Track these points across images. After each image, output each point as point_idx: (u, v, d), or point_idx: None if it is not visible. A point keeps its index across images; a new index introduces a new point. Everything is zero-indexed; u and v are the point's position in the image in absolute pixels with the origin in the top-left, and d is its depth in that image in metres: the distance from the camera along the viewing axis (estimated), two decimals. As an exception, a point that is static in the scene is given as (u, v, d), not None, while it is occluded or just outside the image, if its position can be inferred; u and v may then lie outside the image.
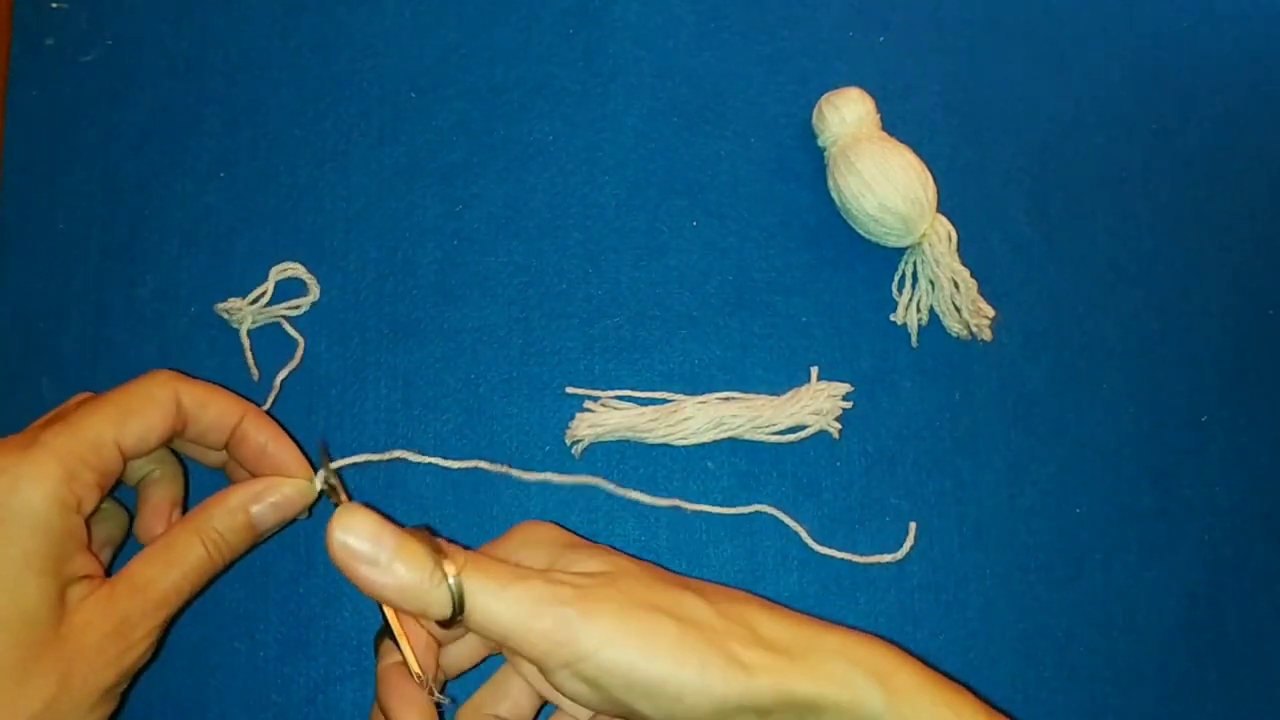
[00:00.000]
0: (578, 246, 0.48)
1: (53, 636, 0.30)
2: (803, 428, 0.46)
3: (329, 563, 0.45)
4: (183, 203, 0.48)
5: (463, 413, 0.46)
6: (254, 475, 0.37)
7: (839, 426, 0.46)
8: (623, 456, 0.46)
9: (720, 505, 0.45)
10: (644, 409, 0.46)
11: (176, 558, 0.33)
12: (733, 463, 0.46)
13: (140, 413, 0.33)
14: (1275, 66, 0.52)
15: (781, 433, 0.46)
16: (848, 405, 0.46)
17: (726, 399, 0.46)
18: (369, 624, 0.44)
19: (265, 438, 0.37)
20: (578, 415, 0.45)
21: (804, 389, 0.46)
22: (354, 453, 0.44)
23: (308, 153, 0.48)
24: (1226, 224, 0.50)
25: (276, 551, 0.45)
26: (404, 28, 0.50)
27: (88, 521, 0.33)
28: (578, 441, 0.45)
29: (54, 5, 0.50)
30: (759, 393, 0.46)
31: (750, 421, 0.45)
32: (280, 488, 0.36)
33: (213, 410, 0.36)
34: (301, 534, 0.45)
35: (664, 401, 0.46)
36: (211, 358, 0.46)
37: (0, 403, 0.46)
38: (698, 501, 0.45)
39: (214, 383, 0.38)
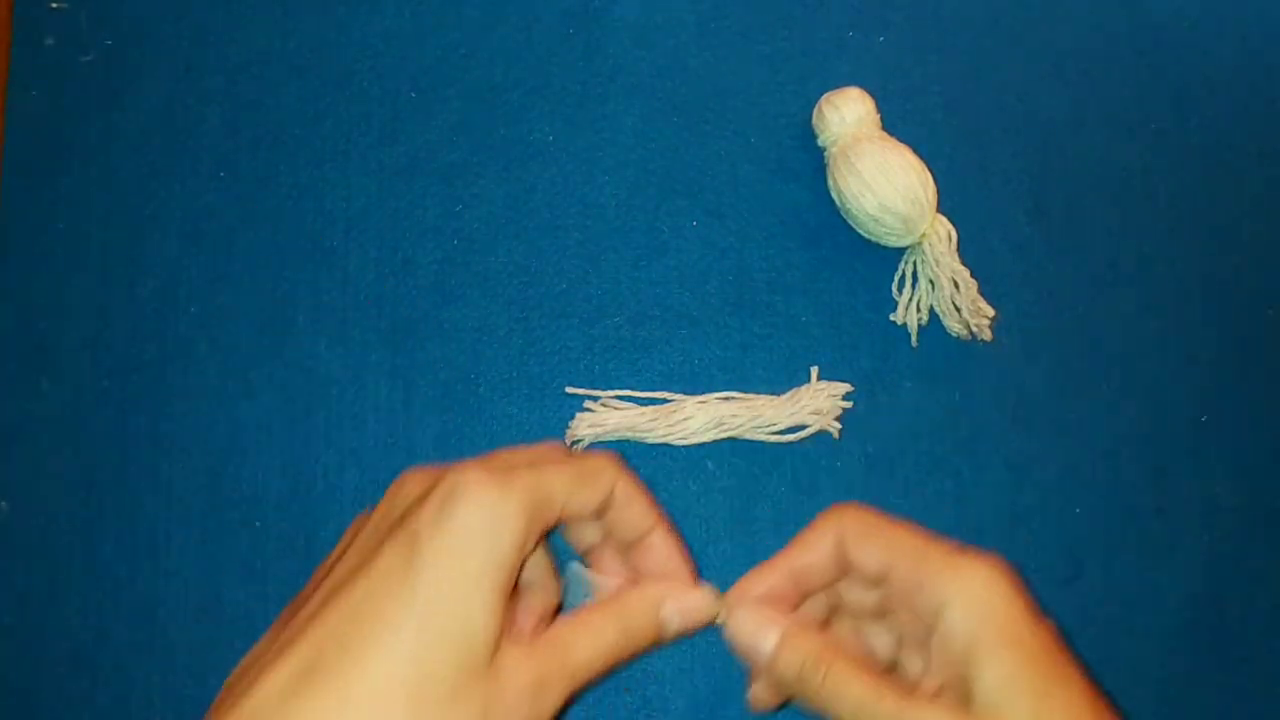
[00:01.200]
0: (578, 246, 0.48)
1: (485, 667, 0.30)
2: (803, 428, 0.46)
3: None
4: (183, 203, 0.48)
5: (463, 413, 0.46)
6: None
7: (839, 426, 0.46)
8: (622, 455, 0.46)
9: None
10: (644, 409, 0.46)
11: (596, 632, 0.34)
12: (733, 463, 0.46)
13: (591, 485, 0.34)
14: (1275, 66, 0.52)
15: (781, 433, 0.46)
16: (848, 405, 0.46)
17: (726, 399, 0.46)
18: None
19: (670, 556, 0.37)
20: (578, 415, 0.45)
21: (804, 389, 0.46)
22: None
23: (308, 153, 0.48)
24: (1226, 224, 0.50)
25: (276, 551, 0.45)
26: (404, 28, 0.50)
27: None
28: (578, 441, 0.45)
29: (54, 5, 0.50)
30: (759, 393, 0.46)
31: (750, 421, 0.45)
32: (689, 597, 0.36)
33: (635, 510, 0.36)
34: (301, 534, 0.45)
35: (664, 401, 0.46)
36: (212, 358, 0.46)
37: (0, 403, 0.46)
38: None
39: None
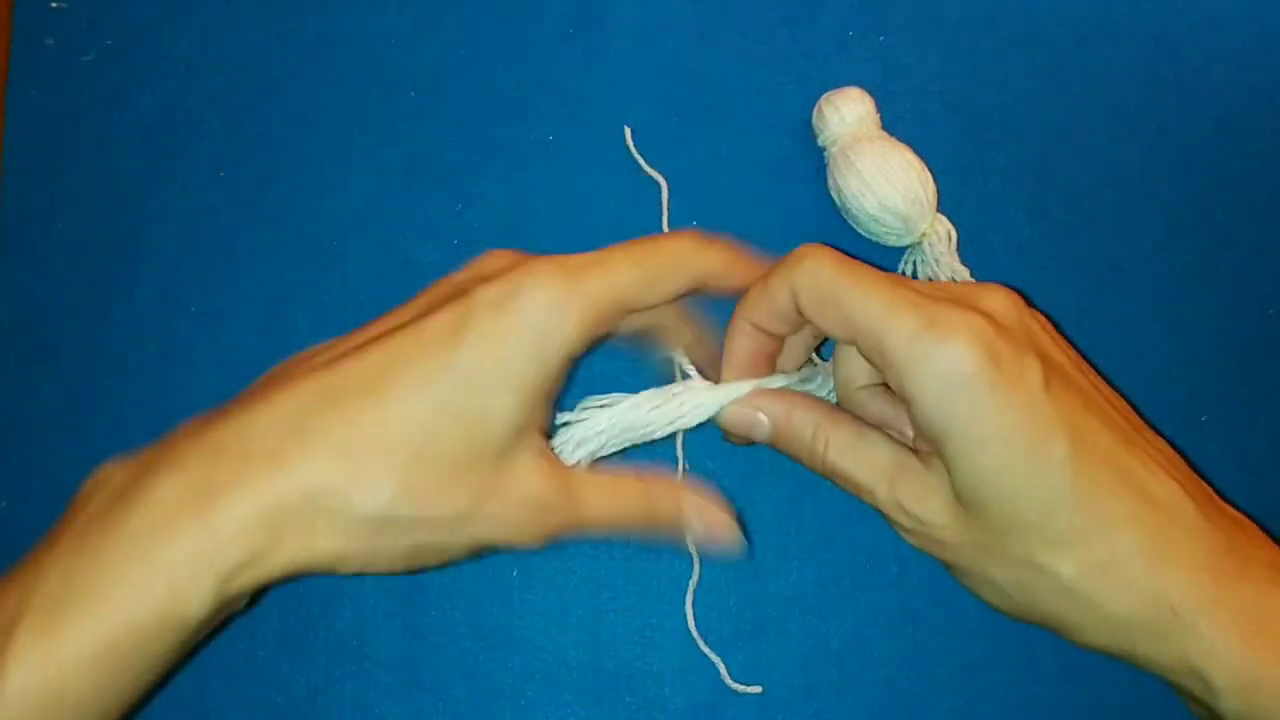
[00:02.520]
0: (577, 246, 0.47)
1: (494, 460, 0.30)
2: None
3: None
4: (183, 203, 0.48)
5: (463, 413, 0.46)
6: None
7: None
8: (623, 455, 0.46)
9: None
10: (637, 397, 0.39)
11: (619, 499, 0.33)
12: (733, 463, 0.46)
13: (665, 283, 0.33)
14: (1275, 66, 0.52)
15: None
16: None
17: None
18: (369, 624, 0.44)
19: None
20: (558, 434, 0.38)
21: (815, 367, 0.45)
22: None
23: (308, 153, 0.48)
24: (1226, 224, 0.50)
25: (276, 551, 0.45)
26: (404, 28, 0.50)
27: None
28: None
29: (54, 5, 0.50)
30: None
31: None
32: (721, 526, 0.36)
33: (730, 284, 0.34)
34: (301, 534, 0.45)
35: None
36: (211, 357, 0.46)
37: (0, 403, 0.46)
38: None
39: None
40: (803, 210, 0.48)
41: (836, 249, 0.34)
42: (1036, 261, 0.49)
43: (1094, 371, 0.33)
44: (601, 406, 0.38)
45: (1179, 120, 0.51)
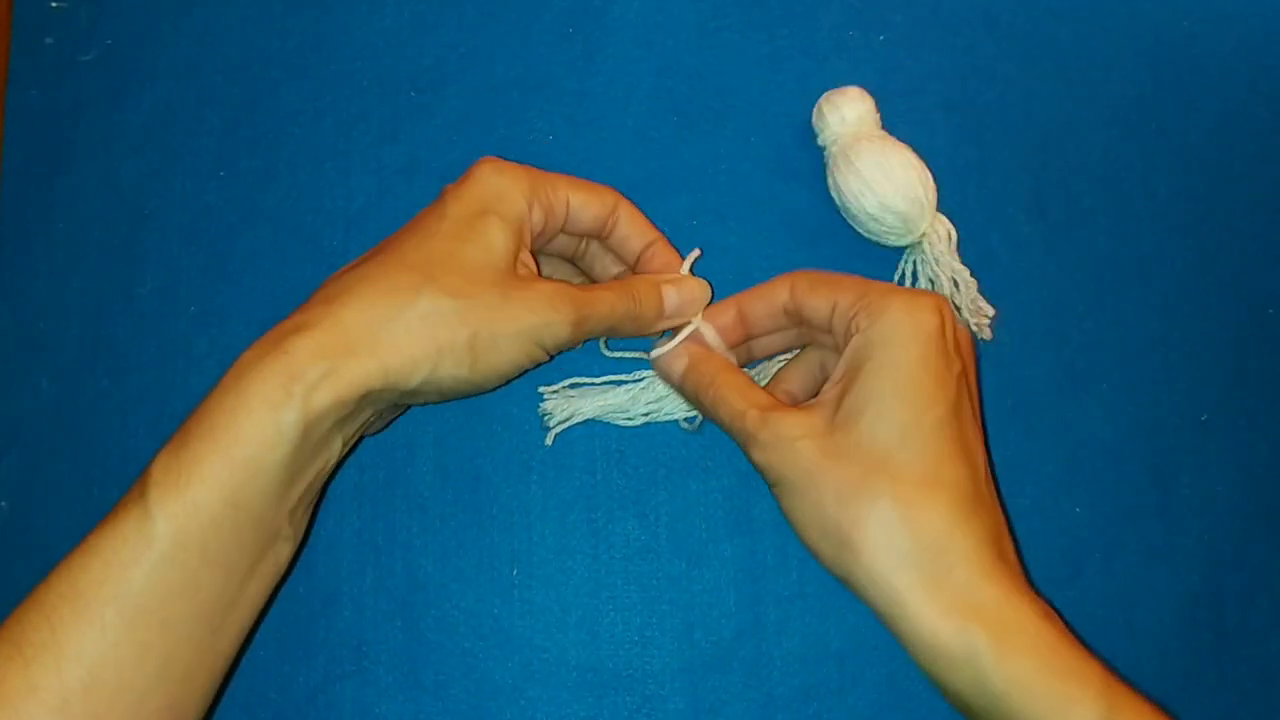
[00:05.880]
0: (578, 246, 0.48)
1: (509, 268, 0.38)
2: None
3: (329, 563, 0.45)
4: (183, 203, 0.48)
5: (463, 412, 0.46)
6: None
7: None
8: (622, 455, 0.46)
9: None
10: (618, 389, 0.46)
11: (611, 296, 0.41)
12: (733, 462, 0.46)
13: (594, 194, 0.42)
14: (1275, 66, 0.52)
15: None
16: None
17: None
18: (369, 624, 0.44)
19: (672, 259, 0.44)
20: (549, 399, 0.46)
21: (769, 363, 0.46)
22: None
23: (308, 153, 0.48)
24: (1226, 224, 0.50)
25: (276, 551, 0.45)
26: (404, 28, 0.50)
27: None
28: (551, 419, 0.46)
29: (54, 5, 0.50)
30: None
31: None
32: (685, 282, 0.43)
33: (637, 225, 0.43)
34: (301, 534, 0.45)
35: (619, 384, 0.46)
36: (212, 357, 0.46)
37: (0, 403, 0.46)
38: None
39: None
40: (803, 210, 0.48)
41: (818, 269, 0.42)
42: (1036, 261, 0.49)
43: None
44: (574, 385, 0.46)
45: (1179, 120, 0.51)
